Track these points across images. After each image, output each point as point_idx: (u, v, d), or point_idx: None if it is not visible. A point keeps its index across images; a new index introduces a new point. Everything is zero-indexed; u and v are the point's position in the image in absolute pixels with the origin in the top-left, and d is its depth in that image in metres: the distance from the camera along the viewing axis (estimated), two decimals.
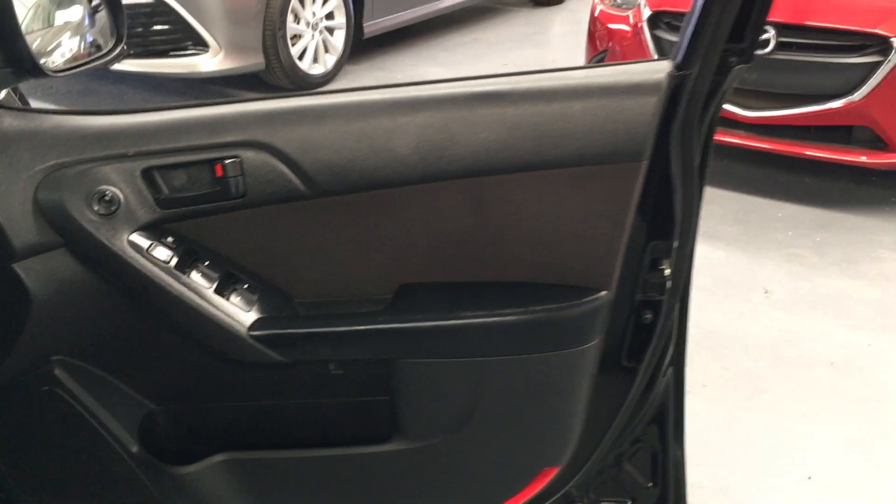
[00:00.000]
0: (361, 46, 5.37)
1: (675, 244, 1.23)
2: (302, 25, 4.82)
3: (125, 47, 1.49)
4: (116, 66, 4.53)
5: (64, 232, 1.15)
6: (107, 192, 1.14)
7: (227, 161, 1.15)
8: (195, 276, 1.20)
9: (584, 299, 1.21)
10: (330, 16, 5.01)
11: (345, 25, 5.07)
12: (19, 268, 1.15)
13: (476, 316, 1.21)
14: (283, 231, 1.22)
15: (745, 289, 3.04)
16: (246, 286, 1.23)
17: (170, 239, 1.19)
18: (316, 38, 4.93)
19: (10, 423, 1.33)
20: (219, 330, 1.20)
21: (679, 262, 1.26)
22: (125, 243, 1.16)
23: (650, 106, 1.13)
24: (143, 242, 1.17)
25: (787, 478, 2.14)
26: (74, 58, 1.42)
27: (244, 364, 1.24)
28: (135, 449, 1.32)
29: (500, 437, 1.31)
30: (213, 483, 1.32)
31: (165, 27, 4.40)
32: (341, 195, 1.18)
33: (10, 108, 1.17)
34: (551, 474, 1.34)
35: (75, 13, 1.51)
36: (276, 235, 1.22)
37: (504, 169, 1.16)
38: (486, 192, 1.18)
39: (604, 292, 1.22)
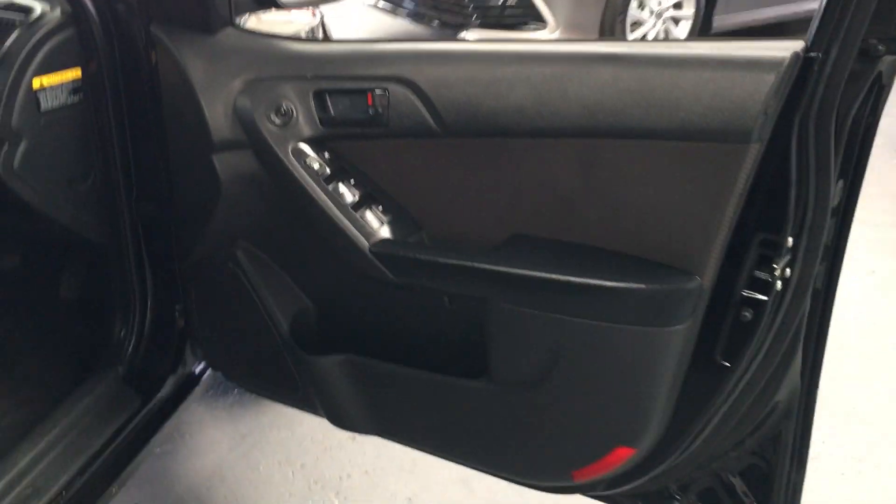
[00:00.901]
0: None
1: (791, 243, 1.12)
2: (645, 13, 4.81)
3: None
4: (466, 34, 4.95)
5: (249, 134, 1.39)
6: (283, 106, 1.36)
7: (377, 92, 1.31)
8: (341, 189, 1.37)
9: (674, 280, 1.16)
10: (678, 5, 4.93)
11: (691, 17, 4.95)
12: (216, 159, 1.42)
13: (566, 274, 1.23)
14: (415, 165, 1.34)
15: None
16: (381, 208, 1.38)
17: (326, 154, 1.38)
18: (658, 27, 4.89)
19: (202, 293, 1.64)
20: (347, 241, 1.37)
21: (805, 265, 1.14)
22: (290, 151, 1.37)
23: (765, 85, 1.04)
24: (305, 152, 1.37)
25: None
26: None
27: (367, 278, 1.39)
28: (285, 331, 1.55)
29: (576, 401, 1.31)
30: (334, 376, 1.51)
31: (513, 3, 4.70)
32: (464, 138, 1.27)
33: (238, 29, 1.44)
34: (627, 455, 1.31)
35: None
36: (409, 168, 1.35)
37: (610, 132, 1.15)
38: (591, 154, 1.19)
39: (696, 277, 1.16)
